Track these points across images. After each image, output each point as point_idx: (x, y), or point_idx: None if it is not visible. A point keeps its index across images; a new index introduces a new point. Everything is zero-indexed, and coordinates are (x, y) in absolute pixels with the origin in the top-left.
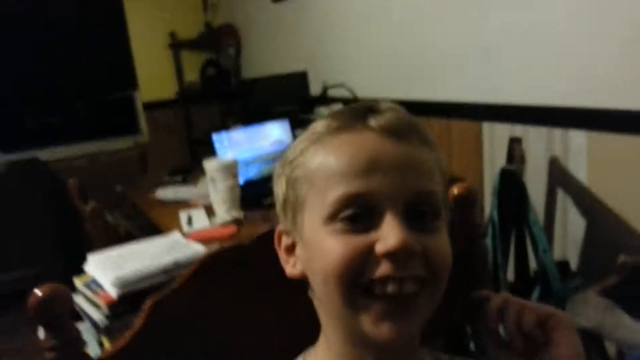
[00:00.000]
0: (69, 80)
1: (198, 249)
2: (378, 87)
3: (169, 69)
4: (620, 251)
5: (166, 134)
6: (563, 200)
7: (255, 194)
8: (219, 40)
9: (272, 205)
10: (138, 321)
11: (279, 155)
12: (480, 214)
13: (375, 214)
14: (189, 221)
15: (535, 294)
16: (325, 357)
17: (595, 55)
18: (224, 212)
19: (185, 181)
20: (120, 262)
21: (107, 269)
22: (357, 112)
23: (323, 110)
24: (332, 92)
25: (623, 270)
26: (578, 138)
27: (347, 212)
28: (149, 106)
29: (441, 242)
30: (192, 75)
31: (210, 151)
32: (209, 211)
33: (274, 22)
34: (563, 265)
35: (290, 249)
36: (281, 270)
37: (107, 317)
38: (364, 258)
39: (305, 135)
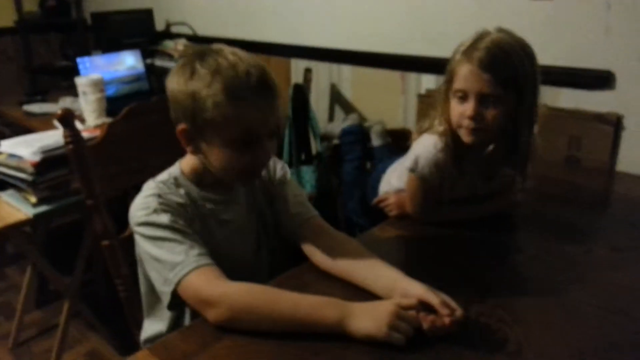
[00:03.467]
0: None
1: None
2: (213, 26)
3: None
4: None
5: (5, 61)
6: (338, 109)
7: (118, 107)
8: None
9: None
10: (100, 134)
11: (133, 78)
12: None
13: (254, 141)
14: None
15: (315, 163)
16: (189, 164)
17: (361, 17)
18: (95, 119)
19: (44, 100)
20: (31, 143)
21: (23, 147)
22: (246, 80)
23: (168, 42)
24: (174, 29)
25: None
26: (346, 70)
27: (241, 142)
28: None
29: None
30: (30, 4)
31: (50, 79)
32: (79, 120)
33: None
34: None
35: (190, 140)
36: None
37: (32, 175)
38: (248, 165)
39: (210, 92)
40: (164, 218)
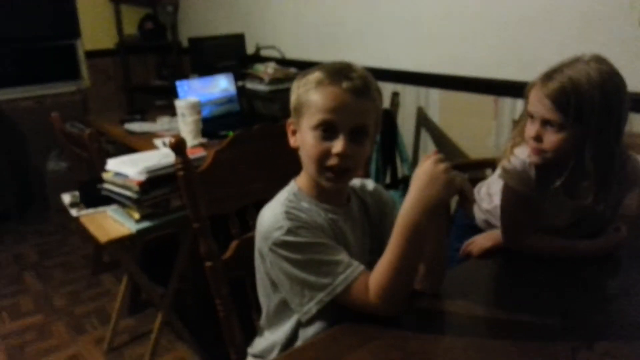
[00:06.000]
0: (15, 27)
1: None
2: (301, 50)
3: (110, 21)
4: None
5: (105, 81)
6: (424, 133)
7: (211, 128)
8: None
9: (225, 136)
10: (207, 160)
11: (226, 100)
12: None
13: (335, 132)
14: (164, 145)
15: (402, 187)
16: (305, 180)
17: (450, 40)
18: (192, 139)
19: (144, 119)
20: (135, 162)
21: (129, 166)
22: (339, 74)
23: (259, 66)
24: (264, 52)
25: None
26: (434, 94)
27: (321, 128)
28: (90, 54)
29: (364, 150)
30: (130, 28)
31: (146, 97)
32: None
33: None
34: None
35: (293, 132)
36: (275, 144)
37: (137, 193)
38: (326, 153)
39: (310, 79)
40: (302, 237)
